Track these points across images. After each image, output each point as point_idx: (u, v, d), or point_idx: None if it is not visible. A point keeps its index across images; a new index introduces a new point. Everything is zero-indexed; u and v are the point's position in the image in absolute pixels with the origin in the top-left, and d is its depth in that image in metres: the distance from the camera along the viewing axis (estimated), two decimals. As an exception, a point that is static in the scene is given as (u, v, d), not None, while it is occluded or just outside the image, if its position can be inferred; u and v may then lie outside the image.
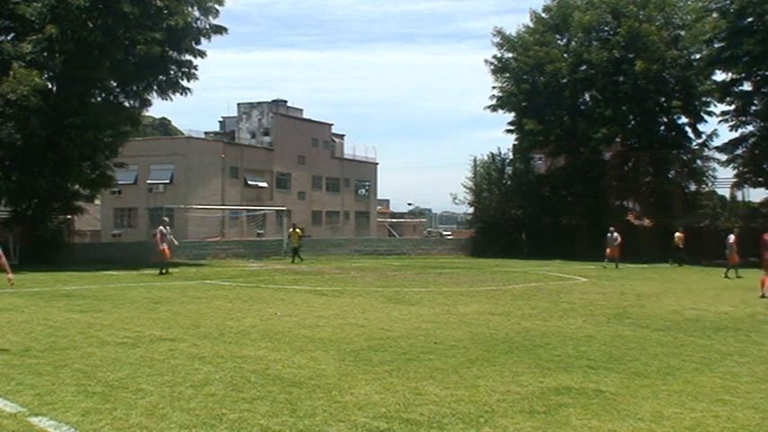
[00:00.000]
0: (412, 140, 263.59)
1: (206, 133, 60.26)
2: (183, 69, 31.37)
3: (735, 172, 36.98)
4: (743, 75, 35.05)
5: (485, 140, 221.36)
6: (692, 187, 39.95)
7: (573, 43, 40.33)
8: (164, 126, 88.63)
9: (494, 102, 42.18)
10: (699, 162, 39.50)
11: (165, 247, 23.91)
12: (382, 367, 7.82)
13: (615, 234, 29.28)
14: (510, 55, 41.47)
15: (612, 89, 38.52)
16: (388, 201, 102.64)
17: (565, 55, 40.25)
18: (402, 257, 38.93)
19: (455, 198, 45.63)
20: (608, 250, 29.32)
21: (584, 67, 38.92)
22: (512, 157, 43.95)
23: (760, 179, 35.73)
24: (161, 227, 24.48)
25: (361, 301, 14.97)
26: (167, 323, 11.42)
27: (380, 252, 41.20)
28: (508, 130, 43.29)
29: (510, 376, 7.41)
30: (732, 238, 24.06)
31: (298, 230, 34.10)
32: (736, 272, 23.21)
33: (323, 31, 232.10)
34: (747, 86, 35.62)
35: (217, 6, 30.64)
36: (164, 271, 23.52)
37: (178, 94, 31.98)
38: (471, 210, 46.09)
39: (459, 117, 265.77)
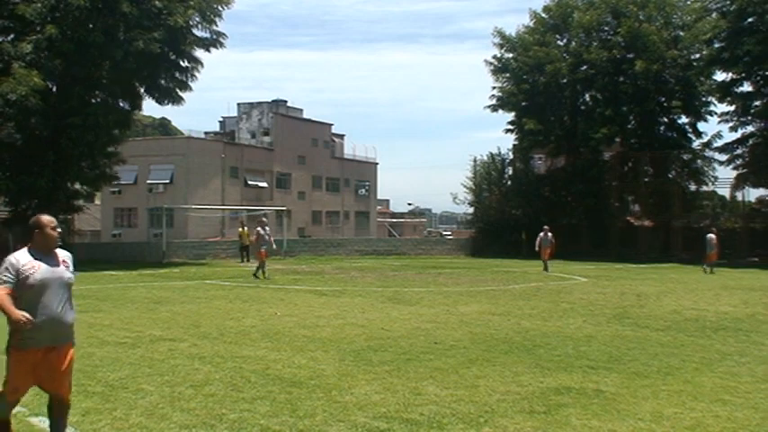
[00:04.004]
0: (412, 140, 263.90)
1: (206, 133, 60.21)
2: (186, 65, 31.27)
3: (735, 173, 37.04)
4: (743, 75, 35.02)
5: (485, 140, 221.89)
6: (692, 187, 39.92)
7: (573, 43, 40.31)
8: (164, 126, 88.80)
9: (494, 102, 42.21)
10: (699, 162, 39.47)
11: (262, 249, 22.13)
12: (382, 367, 7.82)
13: (549, 234, 27.27)
14: (510, 55, 41.45)
15: (612, 89, 38.50)
16: (388, 201, 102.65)
17: (565, 55, 40.22)
18: (402, 257, 38.89)
19: (455, 198, 45.59)
20: (547, 251, 27.16)
21: (584, 67, 38.90)
22: (512, 157, 43.93)
23: (760, 179, 35.71)
24: (258, 228, 22.55)
25: (361, 301, 14.96)
26: (167, 323, 11.43)
27: (380, 252, 41.15)
28: (508, 130, 43.34)
29: (510, 376, 7.41)
30: (712, 237, 26.12)
31: (246, 230, 34.25)
32: (711, 269, 25.45)
33: (324, 31, 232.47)
34: (747, 87, 35.65)
35: (216, 19, 30.68)
36: (257, 274, 21.64)
37: (179, 92, 31.88)
38: (471, 210, 46.06)
39: (459, 117, 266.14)
